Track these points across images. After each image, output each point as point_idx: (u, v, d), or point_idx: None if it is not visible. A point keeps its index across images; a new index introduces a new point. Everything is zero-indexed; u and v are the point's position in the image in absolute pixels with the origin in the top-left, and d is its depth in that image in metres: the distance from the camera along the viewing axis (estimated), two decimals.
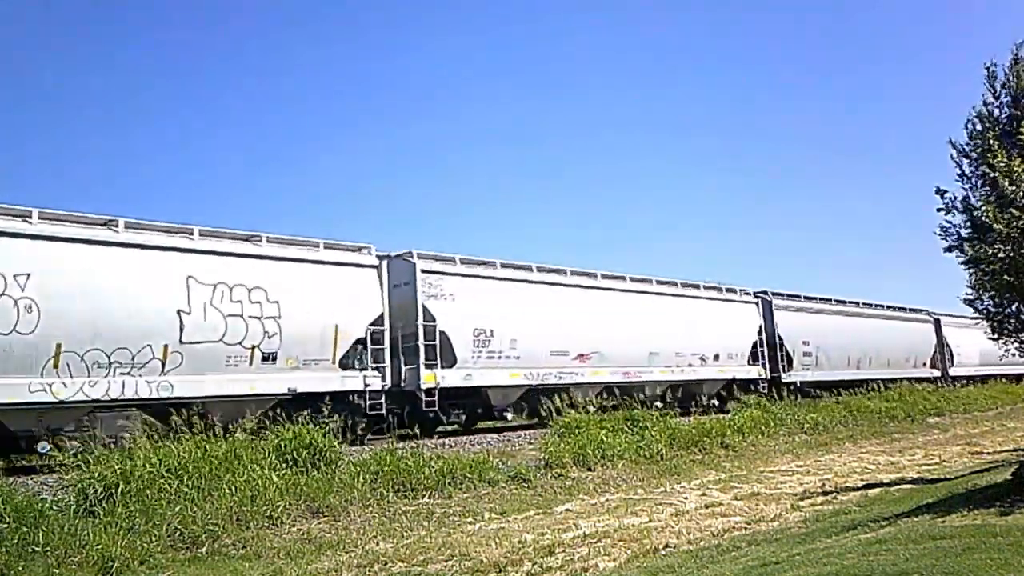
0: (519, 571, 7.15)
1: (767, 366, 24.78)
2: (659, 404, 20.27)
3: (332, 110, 76.09)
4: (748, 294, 25.47)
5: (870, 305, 31.20)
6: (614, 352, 19.86)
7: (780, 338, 25.35)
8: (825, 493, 10.60)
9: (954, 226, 9.91)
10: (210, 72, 70.06)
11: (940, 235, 10.01)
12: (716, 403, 22.63)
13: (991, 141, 8.72)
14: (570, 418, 15.22)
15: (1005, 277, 8.42)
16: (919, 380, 30.19)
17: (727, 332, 23.65)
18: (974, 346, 34.38)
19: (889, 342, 31.05)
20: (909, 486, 10.79)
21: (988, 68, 9.55)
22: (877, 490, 10.63)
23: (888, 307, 32.39)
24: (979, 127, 9.54)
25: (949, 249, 10.14)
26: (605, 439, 13.71)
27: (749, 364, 24.30)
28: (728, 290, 24.73)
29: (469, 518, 9.68)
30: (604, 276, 20.89)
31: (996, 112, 9.55)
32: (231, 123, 72.52)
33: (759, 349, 24.60)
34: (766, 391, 23.27)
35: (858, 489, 10.86)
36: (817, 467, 14.02)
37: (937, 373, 33.63)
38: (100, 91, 63.87)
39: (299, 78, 72.60)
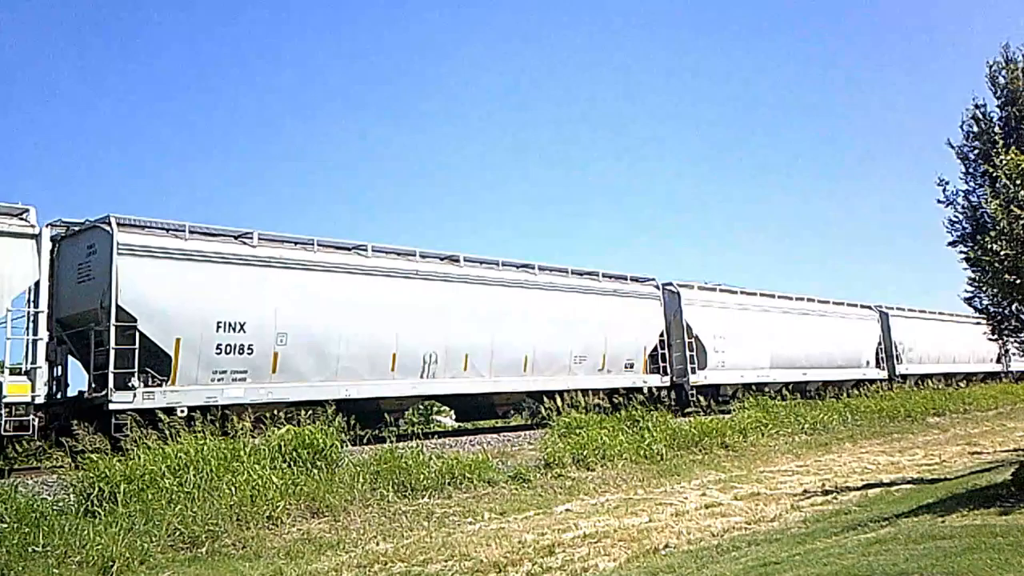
0: (519, 571, 7.15)
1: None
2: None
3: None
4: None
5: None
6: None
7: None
8: (825, 493, 10.60)
9: (959, 220, 9.97)
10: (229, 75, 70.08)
11: (947, 228, 10.07)
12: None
13: (996, 139, 8.74)
14: (570, 418, 15.22)
15: (1006, 276, 8.43)
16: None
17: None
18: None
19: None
20: (909, 486, 10.79)
21: (991, 67, 9.59)
22: (877, 490, 10.63)
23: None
24: (975, 128, 9.58)
25: (953, 243, 10.18)
26: (605, 439, 13.70)
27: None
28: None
29: (469, 518, 9.69)
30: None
31: (992, 112, 9.59)
32: (234, 126, 72.51)
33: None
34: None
35: (858, 489, 10.85)
36: (817, 467, 14.02)
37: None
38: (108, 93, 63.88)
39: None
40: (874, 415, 21.47)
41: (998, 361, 37.31)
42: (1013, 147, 8.56)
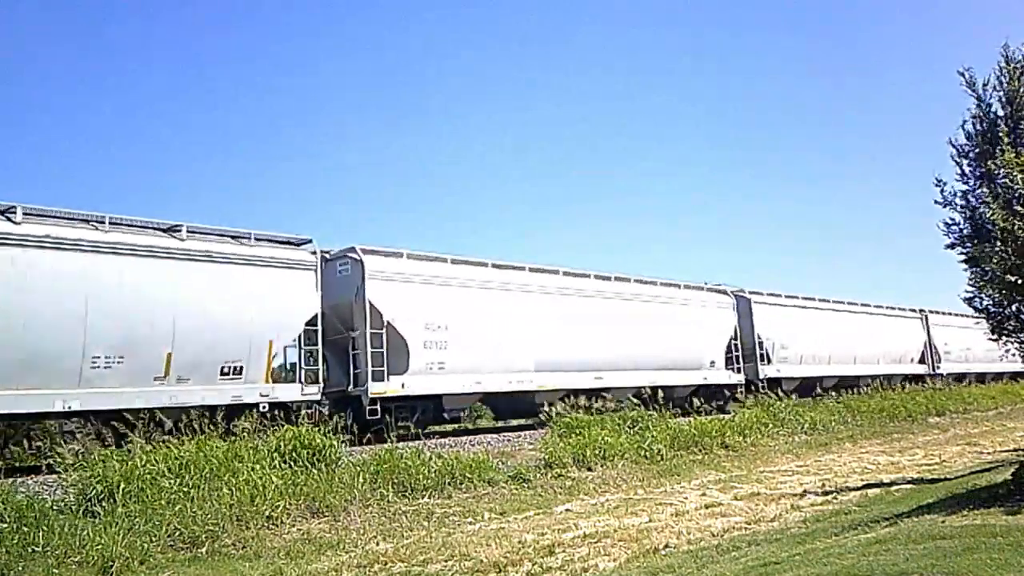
0: (519, 571, 7.15)
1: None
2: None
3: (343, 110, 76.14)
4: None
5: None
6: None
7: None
8: (825, 493, 10.60)
9: (956, 223, 9.95)
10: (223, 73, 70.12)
11: (943, 230, 10.04)
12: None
13: (1000, 137, 8.73)
14: (570, 418, 15.22)
15: (1007, 277, 8.42)
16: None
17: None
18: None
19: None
20: (909, 486, 10.79)
21: (999, 66, 9.59)
22: (877, 490, 10.62)
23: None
24: (976, 127, 9.57)
25: (951, 246, 10.16)
26: (605, 439, 13.70)
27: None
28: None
29: (469, 518, 9.69)
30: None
31: (993, 111, 9.59)
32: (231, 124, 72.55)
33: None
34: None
35: (858, 489, 10.85)
36: (817, 467, 14.01)
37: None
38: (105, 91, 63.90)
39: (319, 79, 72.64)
40: (874, 415, 21.44)
41: None
42: (1010, 147, 8.55)
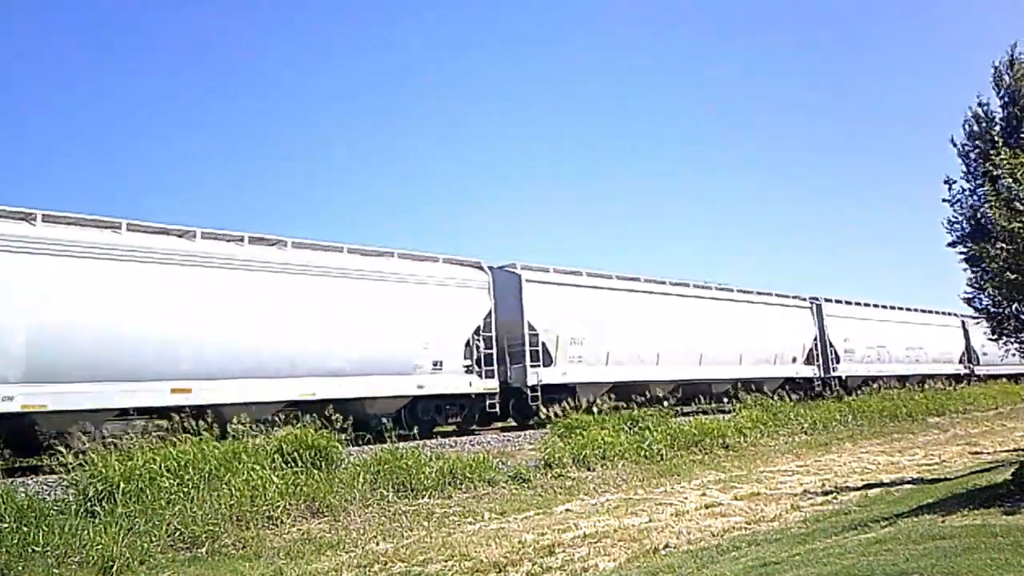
0: (519, 571, 7.15)
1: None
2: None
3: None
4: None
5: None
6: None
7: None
8: (825, 493, 10.60)
9: (957, 221, 9.97)
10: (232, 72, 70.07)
11: (946, 228, 10.05)
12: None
13: (996, 138, 8.74)
14: (571, 418, 15.22)
15: (1008, 275, 8.42)
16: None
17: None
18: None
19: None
20: (909, 486, 10.78)
21: (996, 68, 9.59)
22: (877, 490, 10.62)
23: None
24: (976, 127, 9.58)
25: (953, 244, 10.17)
26: (605, 439, 13.70)
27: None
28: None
29: (469, 518, 9.69)
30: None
31: (994, 111, 9.60)
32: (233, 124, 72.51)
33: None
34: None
35: (858, 489, 10.85)
36: (817, 467, 14.01)
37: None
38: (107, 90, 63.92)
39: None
40: (874, 415, 21.43)
41: None
42: (1008, 146, 8.55)
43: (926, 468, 13.15)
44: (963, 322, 35.62)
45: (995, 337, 10.36)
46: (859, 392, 27.08)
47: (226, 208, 70.57)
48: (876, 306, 32.52)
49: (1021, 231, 7.91)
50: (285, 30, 70.77)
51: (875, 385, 28.93)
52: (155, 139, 67.08)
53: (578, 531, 8.65)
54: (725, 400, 22.21)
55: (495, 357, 17.47)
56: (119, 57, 64.25)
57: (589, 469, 12.70)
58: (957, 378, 34.01)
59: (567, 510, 10.20)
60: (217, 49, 68.76)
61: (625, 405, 18.35)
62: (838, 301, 30.61)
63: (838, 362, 28.93)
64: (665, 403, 19.28)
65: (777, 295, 27.73)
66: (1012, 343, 10.22)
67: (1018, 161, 8.17)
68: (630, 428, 15.16)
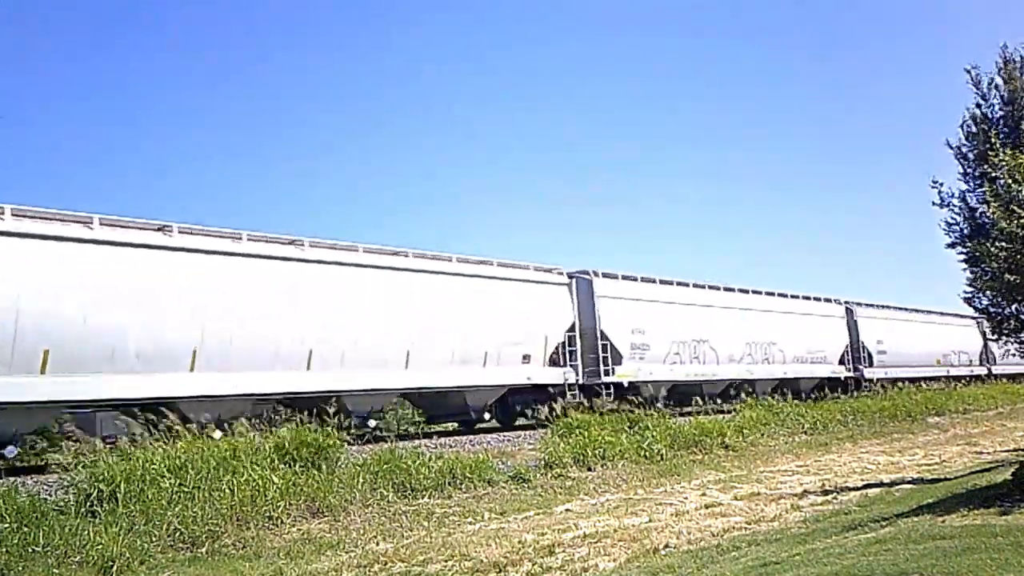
0: (519, 571, 7.15)
1: None
2: None
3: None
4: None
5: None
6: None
7: None
8: (825, 493, 10.60)
9: (956, 222, 9.97)
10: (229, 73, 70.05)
11: (944, 230, 10.06)
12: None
13: (992, 140, 8.74)
14: (570, 418, 15.24)
15: (1007, 276, 8.43)
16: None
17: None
18: None
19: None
20: (909, 486, 10.78)
21: (998, 67, 9.59)
22: (877, 490, 10.62)
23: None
24: (974, 128, 9.58)
25: (951, 245, 10.17)
26: (605, 439, 13.71)
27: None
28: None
29: (469, 518, 9.69)
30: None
31: (991, 112, 9.60)
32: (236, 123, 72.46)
33: None
34: None
35: (858, 489, 10.85)
36: (817, 467, 14.01)
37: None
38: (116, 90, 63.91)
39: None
40: (874, 415, 21.44)
41: None
42: (1006, 147, 8.55)
43: (926, 468, 13.15)
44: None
45: (995, 337, 10.37)
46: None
47: (225, 207, 70.55)
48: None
49: (1019, 232, 7.91)
50: (289, 29, 70.81)
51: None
52: (160, 138, 67.10)
53: (578, 531, 8.65)
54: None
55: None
56: (131, 57, 64.28)
57: (589, 469, 12.70)
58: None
59: (567, 510, 10.20)
60: (246, 50, 68.80)
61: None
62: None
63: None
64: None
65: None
66: (1012, 343, 10.23)
67: (1017, 162, 8.18)
68: (630, 428, 15.17)
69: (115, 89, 64.59)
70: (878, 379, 29.86)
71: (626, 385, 20.04)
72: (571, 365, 19.15)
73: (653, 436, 14.61)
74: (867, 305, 32.06)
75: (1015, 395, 30.03)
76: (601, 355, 19.83)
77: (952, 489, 9.35)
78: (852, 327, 30.32)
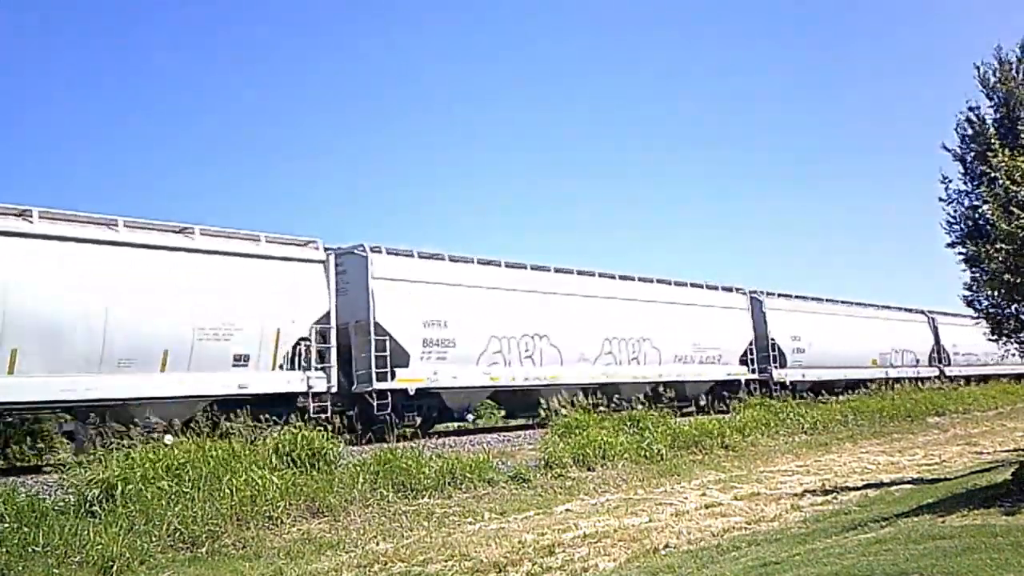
0: (519, 571, 7.15)
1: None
2: None
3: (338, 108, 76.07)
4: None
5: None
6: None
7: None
8: (825, 493, 10.60)
9: (956, 222, 9.98)
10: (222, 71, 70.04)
11: (945, 228, 10.07)
12: None
13: (991, 140, 8.74)
14: (571, 418, 15.23)
15: (1006, 276, 8.43)
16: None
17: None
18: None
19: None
20: (909, 486, 10.78)
21: (993, 68, 9.59)
22: (877, 490, 10.62)
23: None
24: (970, 130, 9.59)
25: (952, 244, 10.18)
26: (605, 439, 13.71)
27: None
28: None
29: (469, 518, 9.69)
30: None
31: (987, 113, 9.60)
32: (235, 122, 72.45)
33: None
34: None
35: (858, 489, 10.85)
36: (817, 467, 14.01)
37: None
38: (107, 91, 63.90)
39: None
40: (874, 415, 21.45)
41: None
42: (1006, 148, 8.55)
43: (926, 468, 13.15)
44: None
45: (995, 337, 10.37)
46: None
47: (225, 207, 70.49)
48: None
49: (1019, 232, 7.92)
50: (283, 27, 70.83)
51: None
52: (160, 138, 67.11)
53: (578, 531, 8.65)
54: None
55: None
56: (131, 56, 64.29)
57: (589, 469, 12.70)
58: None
59: (567, 510, 10.20)
60: (260, 49, 68.81)
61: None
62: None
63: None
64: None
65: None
66: (1012, 343, 10.23)
67: (1015, 163, 8.18)
68: (630, 428, 15.17)
69: (115, 89, 64.66)
70: (792, 382, 25.88)
71: (412, 392, 16.39)
72: (319, 368, 14.96)
73: (653, 436, 14.61)
74: (780, 296, 27.51)
75: (1015, 395, 30.05)
76: (375, 355, 15.77)
77: (952, 489, 9.36)
78: (759, 321, 25.65)
